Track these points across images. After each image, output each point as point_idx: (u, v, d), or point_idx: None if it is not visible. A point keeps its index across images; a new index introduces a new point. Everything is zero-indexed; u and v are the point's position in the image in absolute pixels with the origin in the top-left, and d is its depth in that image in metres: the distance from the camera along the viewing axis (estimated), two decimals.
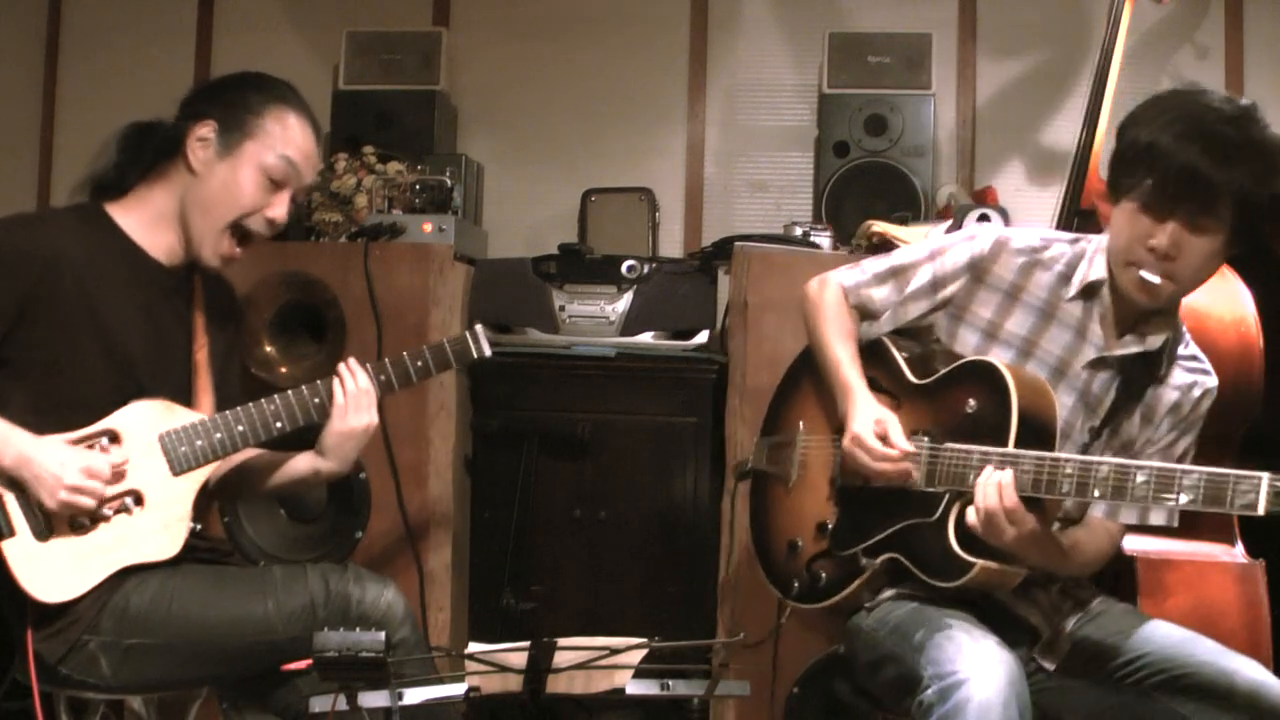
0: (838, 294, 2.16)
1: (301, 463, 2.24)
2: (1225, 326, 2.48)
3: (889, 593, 2.04)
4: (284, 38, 4.04)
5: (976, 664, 1.76)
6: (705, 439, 3.15)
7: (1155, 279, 1.88)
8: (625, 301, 3.23)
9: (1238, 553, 2.46)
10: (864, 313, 2.16)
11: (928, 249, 2.11)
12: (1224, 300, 2.52)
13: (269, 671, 2.05)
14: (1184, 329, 2.08)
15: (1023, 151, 3.74)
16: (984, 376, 1.94)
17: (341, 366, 2.17)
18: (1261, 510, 1.62)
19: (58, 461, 1.96)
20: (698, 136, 3.91)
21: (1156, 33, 3.67)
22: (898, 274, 2.13)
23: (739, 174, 3.90)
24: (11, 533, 1.96)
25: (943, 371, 2.02)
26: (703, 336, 3.21)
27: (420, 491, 3.14)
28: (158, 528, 2.07)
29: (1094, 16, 3.61)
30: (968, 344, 2.06)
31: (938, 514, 1.92)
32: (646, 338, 3.22)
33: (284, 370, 3.12)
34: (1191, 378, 2.03)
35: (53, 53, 4.14)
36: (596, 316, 3.24)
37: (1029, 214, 3.49)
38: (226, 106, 2.16)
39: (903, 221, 3.11)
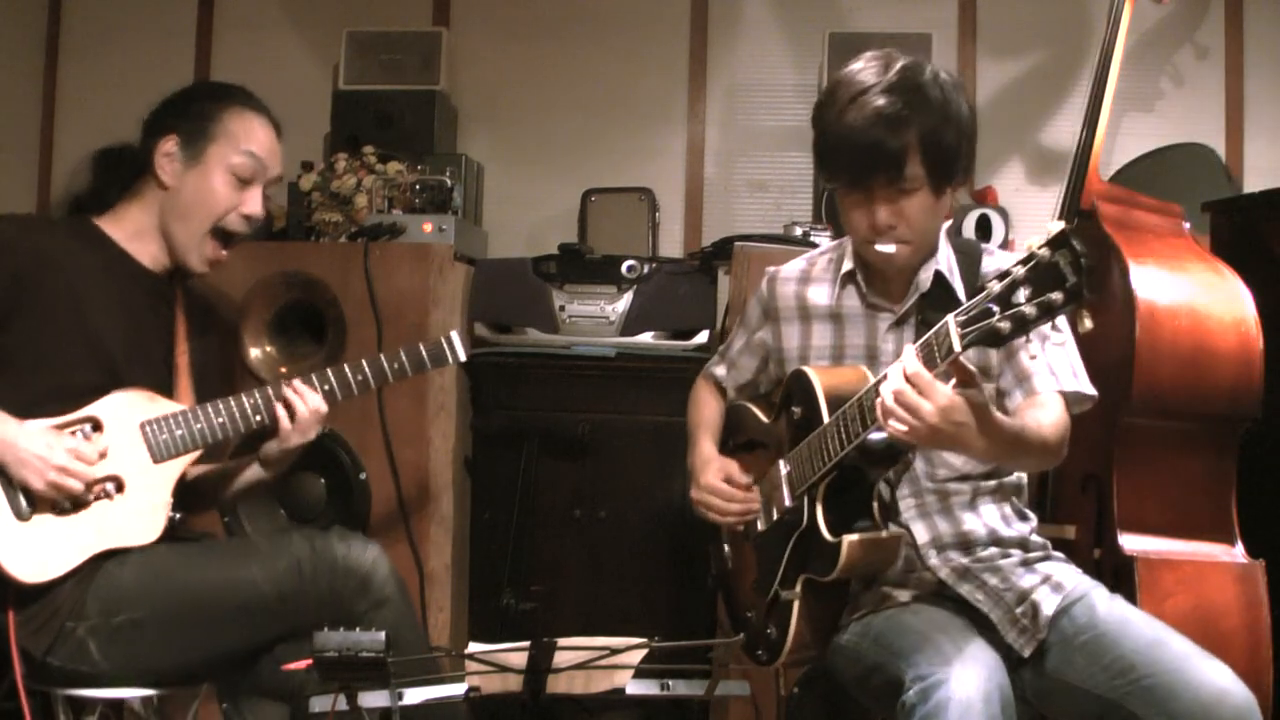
0: (700, 382, 2.44)
1: (251, 472, 2.34)
2: (1225, 327, 2.48)
3: (865, 606, 2.04)
4: (284, 38, 4.05)
5: (956, 663, 1.76)
6: None
7: (890, 248, 2.02)
8: (625, 301, 3.23)
9: (1238, 553, 2.46)
10: (719, 387, 2.40)
11: (740, 318, 2.36)
12: (1224, 300, 2.52)
13: (261, 649, 2.09)
14: (981, 249, 2.14)
15: (1023, 151, 3.74)
16: (795, 383, 2.06)
17: (288, 390, 2.23)
18: (959, 347, 1.66)
19: (44, 444, 2.02)
20: (698, 136, 3.91)
21: (1156, 33, 3.67)
22: (727, 347, 2.38)
23: (739, 174, 3.90)
24: None
25: (777, 403, 2.15)
26: (703, 336, 3.21)
27: (420, 491, 3.14)
28: (138, 513, 2.11)
29: (1094, 16, 3.61)
30: None
31: (805, 518, 1.98)
32: (646, 338, 3.22)
33: (284, 370, 3.12)
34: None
35: (53, 53, 4.14)
36: (596, 316, 3.24)
37: (1029, 214, 3.49)
38: (185, 118, 2.26)
39: None
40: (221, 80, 2.37)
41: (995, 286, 1.62)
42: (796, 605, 2.01)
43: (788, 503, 2.03)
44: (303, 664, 1.72)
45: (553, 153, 3.93)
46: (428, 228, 3.21)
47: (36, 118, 4.13)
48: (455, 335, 2.35)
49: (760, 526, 2.14)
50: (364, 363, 2.29)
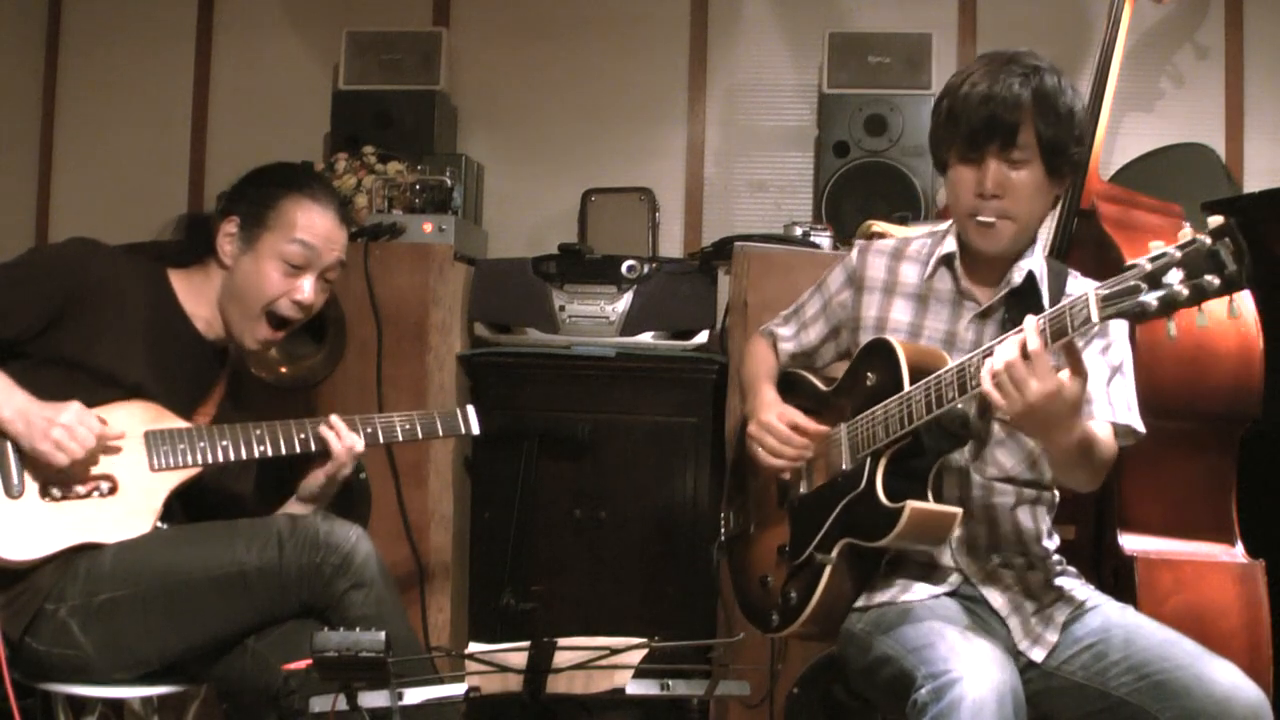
0: (756, 338, 2.42)
1: (289, 507, 2.38)
2: (1225, 327, 2.48)
3: (881, 596, 2.04)
4: (284, 37, 4.05)
5: (970, 662, 1.76)
6: (705, 439, 3.15)
7: (991, 219, 2.02)
8: (625, 301, 3.23)
9: (1238, 553, 2.47)
10: (779, 349, 2.36)
11: (817, 283, 2.32)
12: (1224, 300, 2.51)
13: (244, 631, 2.10)
14: (1068, 271, 2.15)
15: None
16: (873, 351, 2.07)
17: (324, 428, 2.31)
18: (1096, 319, 1.66)
19: (52, 409, 2.07)
20: (698, 136, 3.91)
21: (1156, 33, 3.67)
22: (799, 309, 2.35)
23: (739, 174, 3.90)
24: None
25: (845, 369, 2.15)
26: (703, 336, 3.21)
27: (420, 491, 3.14)
28: (125, 515, 2.14)
29: (1094, 16, 3.61)
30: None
31: (864, 481, 1.98)
32: (646, 338, 3.22)
33: (284, 370, 3.12)
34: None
35: (53, 53, 4.14)
36: (596, 316, 3.24)
37: None
38: (247, 202, 2.34)
39: (903, 221, 3.11)
40: (285, 163, 2.47)
41: (1145, 265, 1.62)
42: (828, 570, 2.01)
43: (845, 465, 2.03)
44: (302, 664, 1.72)
45: (553, 153, 3.93)
46: (428, 228, 3.21)
47: (36, 116, 4.13)
48: (471, 410, 2.48)
49: (803, 490, 2.14)
50: (375, 418, 2.38)
